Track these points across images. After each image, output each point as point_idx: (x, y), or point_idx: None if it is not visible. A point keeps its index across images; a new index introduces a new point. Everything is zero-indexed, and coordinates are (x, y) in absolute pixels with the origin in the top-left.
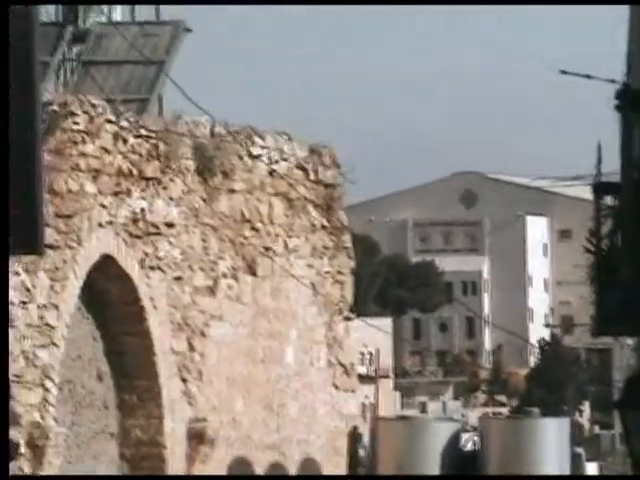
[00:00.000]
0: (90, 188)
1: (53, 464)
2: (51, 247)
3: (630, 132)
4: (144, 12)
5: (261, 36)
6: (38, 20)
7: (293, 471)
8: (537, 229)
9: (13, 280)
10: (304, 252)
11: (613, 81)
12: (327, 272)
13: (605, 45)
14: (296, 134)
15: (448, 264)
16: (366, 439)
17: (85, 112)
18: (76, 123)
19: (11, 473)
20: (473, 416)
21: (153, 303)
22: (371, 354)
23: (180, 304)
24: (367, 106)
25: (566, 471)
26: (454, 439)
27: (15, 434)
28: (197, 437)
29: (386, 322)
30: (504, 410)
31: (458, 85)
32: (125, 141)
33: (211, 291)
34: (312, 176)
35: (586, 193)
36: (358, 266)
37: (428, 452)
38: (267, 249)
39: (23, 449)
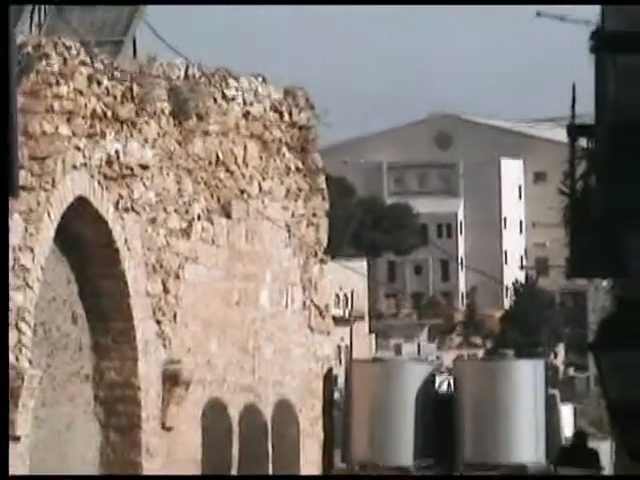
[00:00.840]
0: (64, 130)
1: (27, 406)
2: (25, 189)
3: (604, 74)
4: None
5: None
6: None
7: (268, 413)
8: (512, 171)
9: None
10: (279, 194)
11: (588, 23)
12: (302, 214)
13: None
14: (270, 76)
15: (423, 206)
16: (341, 381)
17: (59, 54)
18: (50, 65)
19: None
20: (448, 358)
21: (128, 245)
22: (346, 296)
23: (155, 246)
24: (342, 45)
25: (541, 413)
26: (429, 381)
27: None
28: (172, 379)
29: (361, 264)
30: (479, 352)
31: (435, 26)
32: (99, 83)
33: (186, 233)
34: (286, 118)
35: (561, 135)
36: (333, 208)
37: (403, 394)
38: (242, 191)
39: None
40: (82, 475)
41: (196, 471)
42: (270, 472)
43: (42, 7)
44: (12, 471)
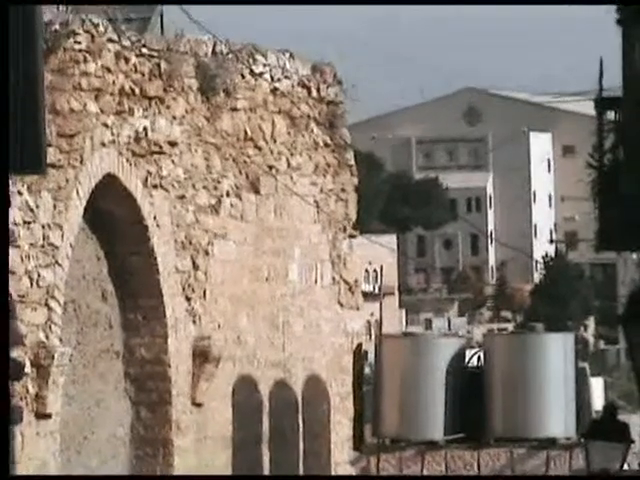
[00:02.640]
0: (92, 107)
1: (57, 383)
2: (54, 166)
3: (632, 46)
4: None
5: None
6: None
7: (298, 388)
8: (541, 145)
9: (16, 200)
10: (307, 170)
11: None
12: (330, 190)
13: None
14: (298, 52)
15: (452, 181)
16: (371, 356)
17: (87, 31)
18: (78, 42)
19: (16, 402)
20: (478, 332)
21: (156, 222)
22: (375, 271)
23: (184, 223)
24: (371, 22)
25: (571, 386)
26: (459, 356)
27: (20, 354)
28: (201, 355)
29: (390, 239)
30: (509, 326)
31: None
32: (127, 60)
33: (214, 210)
34: (314, 94)
35: (589, 108)
36: (361, 184)
37: (433, 368)
38: (270, 167)
39: (28, 369)
40: (82, 475)
41: (226, 447)
42: (300, 448)
43: None
44: (45, 448)
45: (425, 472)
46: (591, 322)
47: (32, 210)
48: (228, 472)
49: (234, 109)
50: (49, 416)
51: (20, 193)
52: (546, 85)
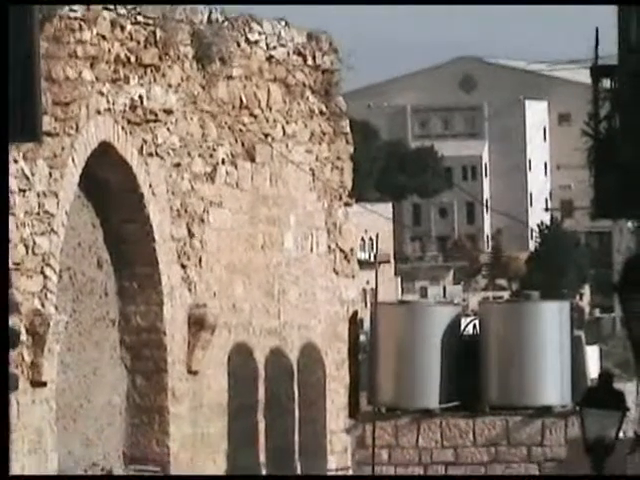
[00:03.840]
0: (88, 75)
1: (53, 351)
2: (49, 135)
3: (627, 22)
4: None
5: None
6: None
7: (294, 356)
8: (536, 113)
9: (12, 167)
10: (302, 138)
11: None
12: (326, 158)
13: None
14: (294, 20)
15: (447, 149)
16: (367, 324)
17: None
18: (73, 10)
19: (11, 370)
20: (473, 300)
21: (152, 190)
22: (371, 240)
23: (179, 191)
24: None
25: (567, 355)
26: (454, 323)
27: (15, 321)
28: (197, 323)
29: (386, 208)
30: (504, 294)
31: None
32: (123, 28)
33: (210, 178)
34: (310, 62)
35: (585, 77)
36: (357, 152)
37: (429, 336)
38: (266, 135)
39: (24, 336)
40: (83, 475)
41: (222, 414)
42: (296, 416)
43: None
44: (40, 416)
45: (420, 440)
46: (586, 290)
47: (28, 178)
48: (224, 439)
49: (230, 77)
50: (44, 384)
51: (16, 161)
52: (541, 54)
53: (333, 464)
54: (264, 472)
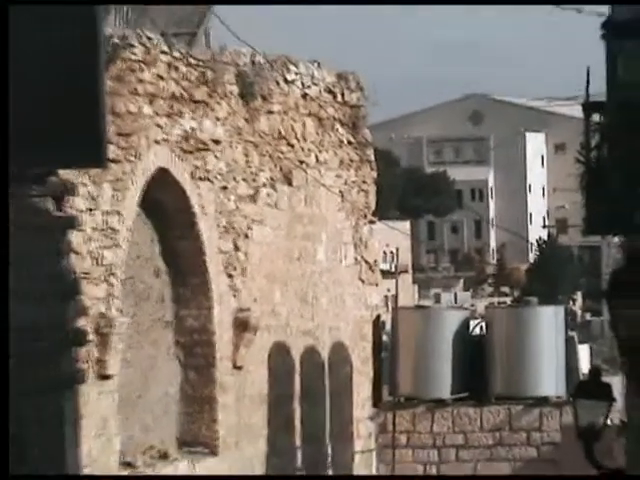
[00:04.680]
0: (147, 110)
1: (116, 349)
2: (113, 161)
3: (613, 58)
4: None
5: None
6: None
7: (325, 354)
8: (535, 143)
9: (81, 190)
10: (333, 165)
11: (600, 14)
12: (353, 182)
13: None
14: (325, 62)
15: (458, 174)
16: (388, 326)
17: (142, 44)
18: (134, 54)
19: (80, 365)
20: (480, 305)
21: (203, 210)
22: (392, 253)
23: (226, 210)
24: (388, 34)
25: (561, 352)
26: (464, 325)
27: (84, 323)
28: (241, 325)
29: (405, 225)
30: (507, 300)
31: (468, 19)
32: (177, 69)
33: (253, 199)
34: (339, 98)
35: (577, 112)
36: (380, 177)
37: (442, 336)
38: (301, 162)
39: (91, 336)
40: (83, 475)
41: (263, 404)
42: (327, 405)
43: (128, 3)
44: (105, 406)
45: (435, 426)
46: (579, 297)
47: (94, 199)
48: (265, 425)
49: (270, 112)
50: (109, 377)
51: (84, 184)
52: (540, 91)
53: (358, 447)
54: (299, 454)
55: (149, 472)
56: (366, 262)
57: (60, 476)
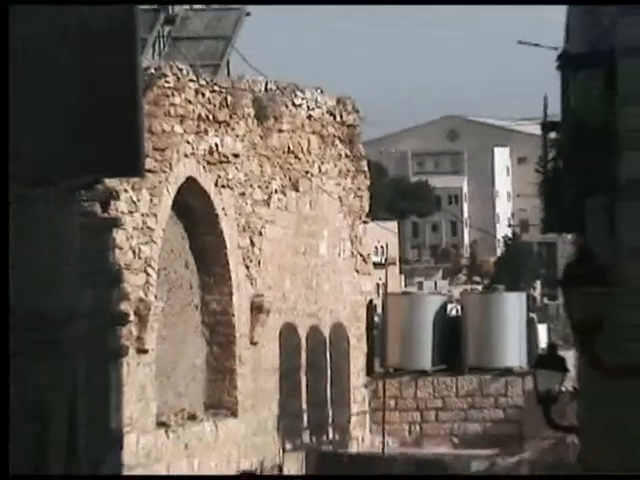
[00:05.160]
0: (178, 129)
1: (153, 328)
2: (150, 171)
3: (567, 85)
4: None
5: (303, 15)
6: (137, 8)
7: (327, 332)
8: (502, 156)
9: (123, 195)
10: (333, 174)
11: (556, 48)
12: (350, 189)
13: (558, 17)
14: (327, 88)
15: (437, 182)
16: (379, 309)
17: (174, 74)
18: (167, 82)
19: (122, 341)
20: (456, 291)
21: (224, 212)
22: (382, 248)
23: (244, 212)
24: (382, 64)
25: (524, 330)
26: (442, 308)
27: (126, 307)
28: (257, 308)
29: (393, 225)
30: (478, 287)
31: (447, 53)
32: (203, 95)
33: (266, 203)
34: (338, 119)
35: (537, 130)
36: (372, 184)
37: (424, 318)
38: (306, 172)
39: (132, 317)
40: (83, 475)
41: (275, 374)
42: (328, 375)
43: (162, 39)
44: (144, 375)
45: (418, 392)
46: (538, 285)
47: (134, 203)
48: (276, 392)
49: (280, 130)
50: (147, 351)
51: (126, 191)
52: (507, 112)
53: (354, 410)
54: (305, 416)
55: (180, 430)
56: (360, 255)
57: (60, 476)
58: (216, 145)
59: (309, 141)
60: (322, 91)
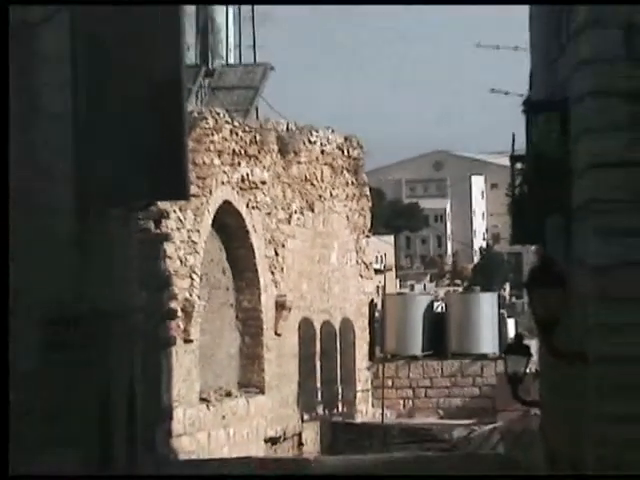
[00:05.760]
0: (216, 161)
1: (196, 322)
2: (194, 196)
3: (530, 125)
4: (247, 56)
5: (317, 66)
6: (184, 64)
7: (337, 325)
8: (478, 183)
9: (172, 215)
10: (341, 198)
11: (522, 96)
12: (355, 209)
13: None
14: (336, 127)
15: (426, 204)
16: (379, 306)
17: (213, 117)
18: (207, 124)
19: (172, 333)
20: (441, 292)
21: (254, 228)
22: (381, 257)
23: (269, 229)
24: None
25: (496, 324)
26: (430, 305)
27: (174, 305)
28: (280, 306)
29: (390, 238)
30: (459, 288)
31: (429, 100)
32: (236, 134)
33: (287, 221)
34: (346, 153)
35: (506, 162)
36: (373, 206)
37: (415, 313)
38: (320, 196)
39: (179, 314)
40: (83, 475)
41: (295, 359)
42: (338, 360)
43: (203, 89)
44: (189, 361)
45: (410, 374)
46: (507, 286)
47: (181, 221)
48: (296, 374)
49: (299, 162)
50: (191, 341)
51: (175, 211)
52: (482, 147)
53: (359, 388)
54: (319, 393)
55: (218, 405)
56: (364, 263)
57: (60, 476)
58: (247, 174)
59: (322, 171)
60: (333, 130)
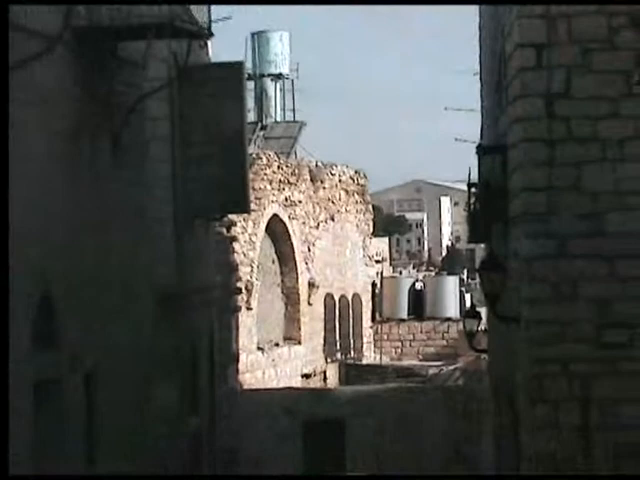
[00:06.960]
0: (268, 187)
1: (255, 296)
2: (253, 210)
3: (481, 162)
4: (289, 116)
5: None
6: (246, 121)
7: (350, 298)
8: (445, 202)
9: (238, 224)
10: (352, 212)
11: (474, 142)
12: (361, 219)
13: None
14: (349, 164)
15: (410, 217)
16: (378, 285)
17: (266, 157)
18: (261, 160)
19: (238, 303)
20: (420, 275)
21: (294, 232)
22: (380, 252)
23: (304, 233)
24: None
25: (457, 297)
26: (413, 284)
27: (240, 284)
28: (311, 285)
29: (385, 239)
30: (432, 273)
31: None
32: (282, 168)
33: (316, 228)
34: (356, 181)
35: (465, 187)
36: (374, 217)
37: (402, 290)
38: (338, 211)
39: (243, 290)
40: (83, 475)
41: (321, 321)
42: (350, 322)
43: (258, 138)
44: (250, 322)
45: (400, 331)
46: (465, 272)
47: (244, 227)
48: (322, 331)
49: (324, 188)
50: (251, 309)
51: (240, 221)
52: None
53: (365, 340)
54: (338, 344)
55: (270, 352)
56: (368, 256)
57: (60, 476)
58: (289, 196)
59: (340, 194)
60: (347, 166)
